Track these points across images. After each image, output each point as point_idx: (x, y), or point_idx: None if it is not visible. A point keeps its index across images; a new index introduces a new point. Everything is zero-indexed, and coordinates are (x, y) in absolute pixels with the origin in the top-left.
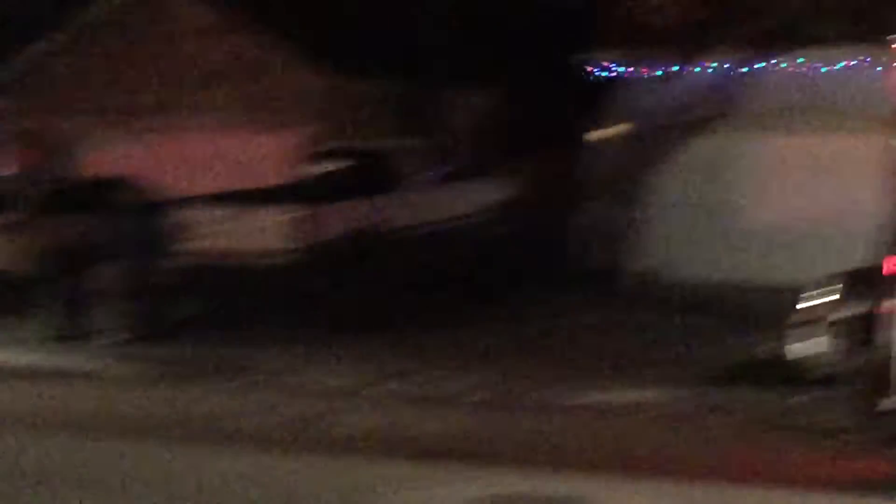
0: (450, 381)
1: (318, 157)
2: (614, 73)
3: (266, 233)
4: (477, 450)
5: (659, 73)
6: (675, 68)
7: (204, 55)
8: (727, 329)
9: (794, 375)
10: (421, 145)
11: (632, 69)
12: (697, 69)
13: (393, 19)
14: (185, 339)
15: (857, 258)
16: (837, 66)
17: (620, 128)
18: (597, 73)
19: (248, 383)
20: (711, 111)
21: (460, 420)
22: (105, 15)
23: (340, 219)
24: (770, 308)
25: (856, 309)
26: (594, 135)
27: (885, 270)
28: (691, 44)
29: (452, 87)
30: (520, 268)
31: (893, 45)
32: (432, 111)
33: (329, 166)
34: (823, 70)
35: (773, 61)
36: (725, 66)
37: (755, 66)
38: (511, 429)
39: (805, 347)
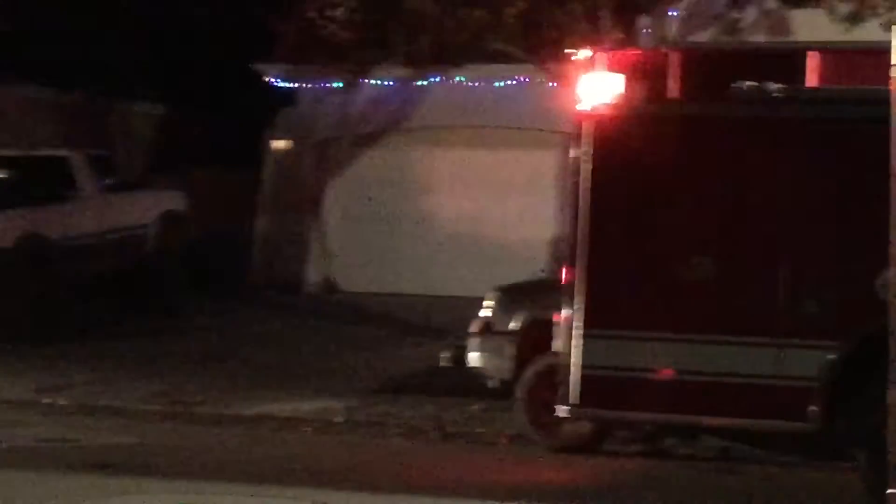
0: (126, 392)
1: None
2: (290, 87)
3: None
4: (152, 461)
5: (334, 86)
6: (348, 83)
7: None
8: (406, 339)
9: (467, 384)
10: (94, 155)
11: (307, 83)
12: (372, 83)
13: (71, 32)
14: None
15: (534, 269)
16: (510, 83)
17: (296, 140)
18: (273, 87)
19: None
20: (386, 125)
21: (136, 429)
22: None
23: (7, 227)
24: (449, 318)
25: (532, 318)
26: (270, 147)
27: (562, 280)
28: (365, 59)
29: (129, 99)
30: (197, 278)
31: (569, 61)
32: (108, 122)
33: None
34: (497, 85)
35: (446, 77)
36: (399, 81)
37: (429, 81)
38: (185, 440)
39: (478, 356)
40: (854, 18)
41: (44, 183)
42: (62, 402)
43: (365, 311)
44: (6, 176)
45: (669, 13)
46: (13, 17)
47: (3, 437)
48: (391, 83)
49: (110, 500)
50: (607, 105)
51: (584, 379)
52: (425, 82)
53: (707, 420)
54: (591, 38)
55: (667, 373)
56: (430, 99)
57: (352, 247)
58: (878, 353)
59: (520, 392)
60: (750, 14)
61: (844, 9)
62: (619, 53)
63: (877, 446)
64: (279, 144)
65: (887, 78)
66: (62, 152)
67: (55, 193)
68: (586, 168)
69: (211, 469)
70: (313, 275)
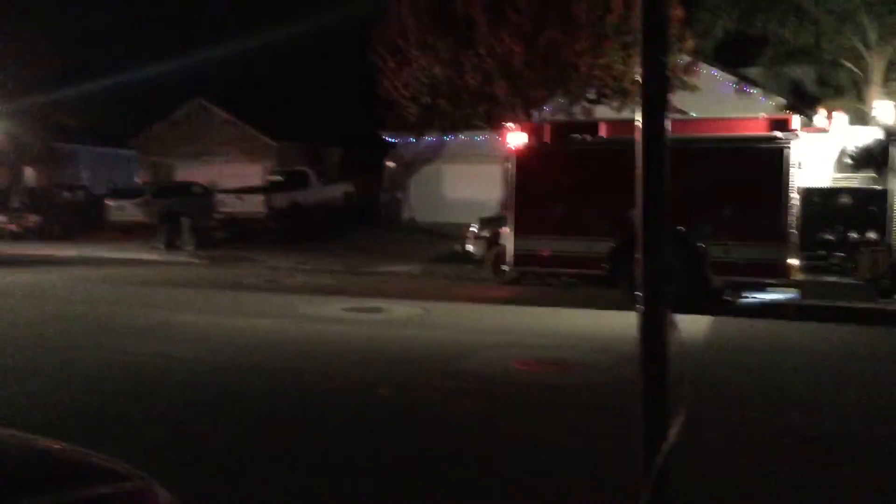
0: (329, 264)
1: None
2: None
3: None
4: (344, 289)
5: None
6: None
7: None
8: (442, 241)
9: (467, 259)
10: (316, 169)
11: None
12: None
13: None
14: None
15: (495, 211)
16: (481, 137)
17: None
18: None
19: None
20: (432, 156)
21: (336, 278)
22: None
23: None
24: (459, 231)
25: (491, 231)
26: (386, 165)
27: (505, 216)
28: (422, 126)
29: (325, 144)
30: (357, 219)
31: (504, 127)
32: (319, 156)
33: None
34: (475, 139)
35: (455, 135)
36: (437, 136)
37: (449, 137)
38: (358, 283)
39: (471, 247)
40: (619, 108)
41: (306, 178)
42: (307, 267)
43: (426, 231)
44: (281, 178)
45: (546, 108)
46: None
47: (276, 284)
48: (433, 138)
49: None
50: (519, 146)
51: (515, 255)
52: (448, 137)
53: (565, 271)
54: (513, 118)
55: (547, 252)
56: (449, 145)
57: (421, 204)
58: (630, 244)
59: (488, 261)
60: (577, 109)
61: (616, 106)
62: (524, 124)
63: (630, 283)
64: (389, 164)
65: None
66: (305, 169)
67: (303, 185)
68: (512, 172)
69: (366, 293)
70: (406, 215)
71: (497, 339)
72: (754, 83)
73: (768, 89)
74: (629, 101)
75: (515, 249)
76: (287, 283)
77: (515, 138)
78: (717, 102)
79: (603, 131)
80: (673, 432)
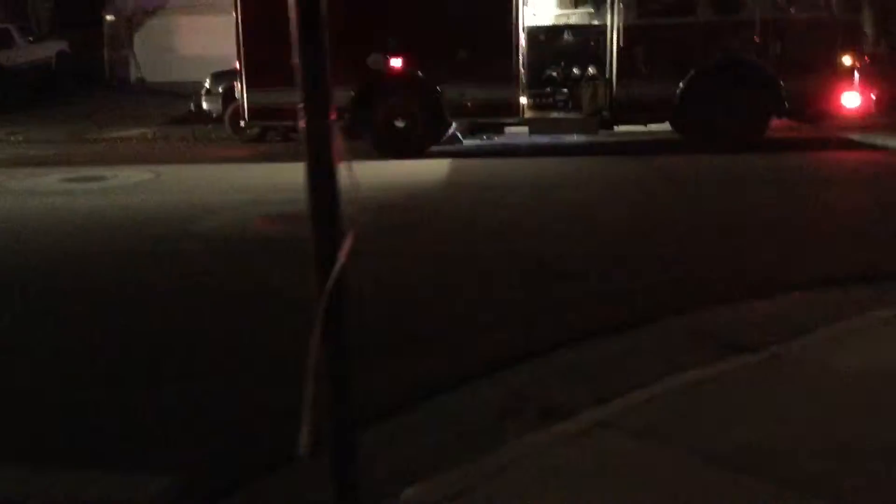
0: None
1: None
2: None
3: None
4: None
5: None
6: None
7: None
8: (176, 102)
9: (207, 119)
10: None
11: None
12: None
13: None
14: None
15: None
16: None
17: None
18: None
19: None
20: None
21: None
22: None
23: None
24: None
25: (226, 86)
26: None
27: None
28: None
29: None
30: None
31: None
32: None
33: None
34: None
35: None
36: None
37: None
38: None
39: (206, 105)
40: None
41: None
42: (19, 137)
43: (159, 91)
44: None
45: None
46: None
47: None
48: None
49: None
50: None
51: (249, 109)
52: None
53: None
54: None
55: (284, 103)
56: None
57: (150, 62)
58: (370, 91)
59: (226, 117)
60: None
61: None
62: None
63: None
64: (108, 17)
65: None
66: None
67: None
68: (237, 17)
69: (92, 161)
70: (134, 75)
71: (237, 199)
72: None
73: None
74: None
75: (248, 103)
76: None
77: None
78: None
79: None
80: (342, 254)
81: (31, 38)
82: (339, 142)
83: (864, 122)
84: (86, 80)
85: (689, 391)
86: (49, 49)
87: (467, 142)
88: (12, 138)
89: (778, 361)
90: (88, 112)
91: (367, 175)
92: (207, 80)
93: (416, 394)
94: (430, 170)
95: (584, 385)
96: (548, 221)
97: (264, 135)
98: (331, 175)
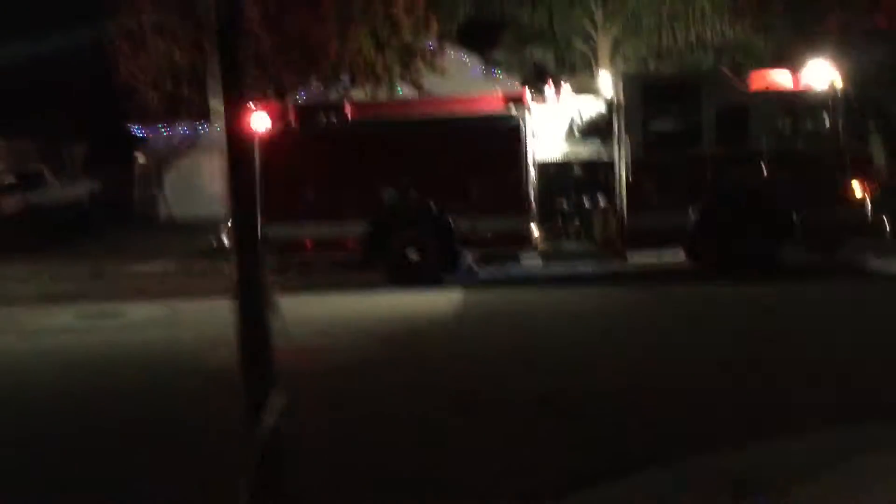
0: None
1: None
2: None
3: None
4: None
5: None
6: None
7: None
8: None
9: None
10: None
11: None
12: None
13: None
14: None
15: None
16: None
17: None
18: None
19: None
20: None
21: None
22: None
23: None
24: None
25: None
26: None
27: None
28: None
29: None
30: None
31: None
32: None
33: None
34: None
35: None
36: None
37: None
38: None
39: (227, 239)
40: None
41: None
42: (44, 274)
43: (185, 227)
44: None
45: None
46: None
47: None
48: (186, 129)
49: None
50: (262, 130)
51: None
52: (202, 128)
53: (320, 256)
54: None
55: (299, 238)
56: (204, 135)
57: (178, 200)
58: (384, 224)
59: None
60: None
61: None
62: (268, 106)
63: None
64: (139, 157)
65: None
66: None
67: (38, 185)
68: (256, 157)
69: (111, 296)
70: (163, 212)
71: None
72: (500, 65)
73: (513, 71)
74: (382, 85)
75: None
76: (17, 293)
77: (258, 121)
78: (468, 85)
79: (349, 113)
80: (270, 416)
81: (63, 179)
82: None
83: (880, 250)
84: (117, 218)
85: None
86: (80, 189)
87: (483, 273)
88: (38, 275)
89: None
90: (114, 248)
91: (372, 306)
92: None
93: None
94: (440, 303)
95: None
96: (550, 356)
97: (284, 269)
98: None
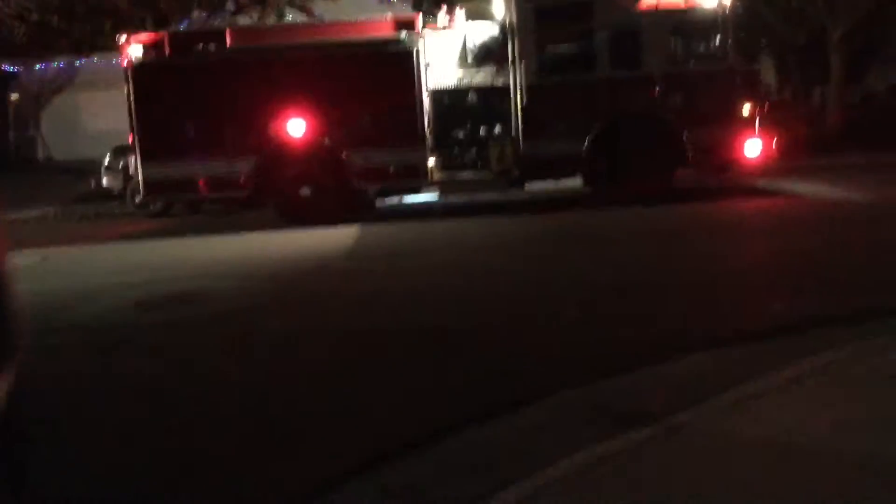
0: None
1: None
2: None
3: None
4: None
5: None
6: None
7: None
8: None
9: (111, 196)
10: None
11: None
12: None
13: None
14: None
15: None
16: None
17: None
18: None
19: None
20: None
21: None
22: None
23: None
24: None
25: (127, 161)
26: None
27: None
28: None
29: None
30: None
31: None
32: None
33: None
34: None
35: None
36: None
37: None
38: None
39: (106, 181)
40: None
41: None
42: None
43: (67, 170)
44: None
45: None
46: None
47: None
48: (62, 63)
49: None
50: (135, 60)
51: (145, 183)
52: (80, 61)
53: (206, 196)
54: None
55: (181, 176)
56: (82, 70)
57: (57, 140)
58: (276, 160)
59: (128, 193)
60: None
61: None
62: (140, 36)
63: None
64: (12, 96)
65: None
66: None
67: None
68: (129, 90)
69: None
70: (42, 154)
71: (123, 280)
72: None
73: None
74: (269, 11)
75: (144, 177)
76: None
77: (131, 52)
78: (362, 12)
79: (230, 41)
80: None
81: None
82: None
83: (769, 169)
84: None
85: (588, 471)
86: None
87: (379, 208)
88: None
89: (675, 434)
90: None
91: (262, 246)
92: (108, 156)
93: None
94: (332, 240)
95: (486, 475)
96: (447, 289)
97: (168, 208)
98: None
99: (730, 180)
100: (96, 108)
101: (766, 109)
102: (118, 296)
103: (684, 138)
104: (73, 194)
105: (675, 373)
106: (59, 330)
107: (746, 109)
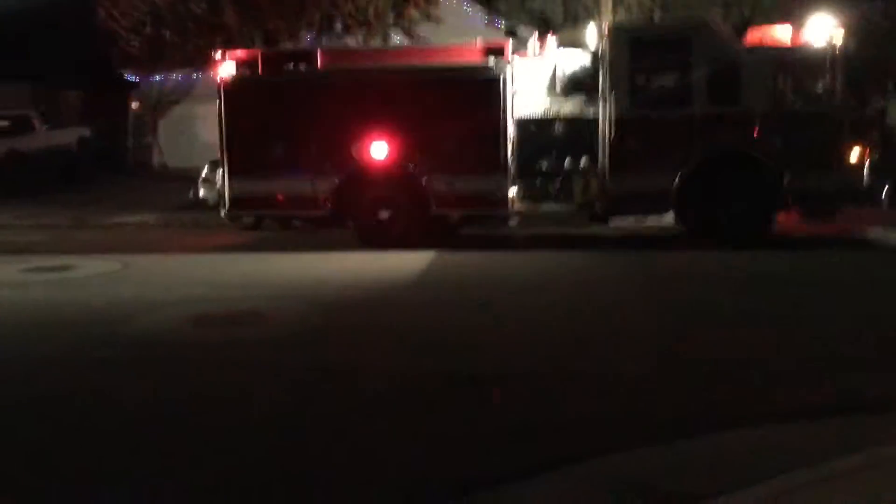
0: None
1: None
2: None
3: None
4: None
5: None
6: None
7: None
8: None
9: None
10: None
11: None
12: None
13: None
14: None
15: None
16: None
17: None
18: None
19: None
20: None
21: None
22: None
23: None
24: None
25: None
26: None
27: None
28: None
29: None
30: None
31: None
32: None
33: None
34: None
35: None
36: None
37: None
38: None
39: (203, 192)
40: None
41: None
42: (23, 222)
43: (179, 177)
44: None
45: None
46: None
47: None
48: (182, 76)
49: None
50: (227, 77)
51: (231, 198)
52: (198, 75)
53: (288, 213)
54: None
55: (268, 193)
56: (200, 83)
57: (172, 148)
58: (356, 181)
59: (222, 205)
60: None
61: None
62: (233, 53)
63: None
64: (133, 105)
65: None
66: (28, 112)
67: (25, 130)
68: (220, 107)
69: (74, 249)
70: (157, 161)
71: (192, 293)
72: (503, 15)
73: (517, 21)
74: (374, 33)
75: (230, 192)
76: None
77: (224, 69)
78: (469, 35)
79: (320, 61)
80: None
81: (51, 125)
82: None
83: (879, 217)
84: (110, 166)
85: None
86: (70, 135)
87: (457, 235)
88: (16, 222)
89: None
90: (104, 196)
91: (335, 267)
92: (205, 168)
93: None
94: (406, 265)
95: None
96: (499, 331)
97: (260, 222)
98: None
99: (837, 228)
100: (211, 119)
101: (877, 155)
102: (179, 311)
103: (784, 181)
104: (175, 203)
105: (735, 447)
106: (110, 343)
107: (855, 154)
